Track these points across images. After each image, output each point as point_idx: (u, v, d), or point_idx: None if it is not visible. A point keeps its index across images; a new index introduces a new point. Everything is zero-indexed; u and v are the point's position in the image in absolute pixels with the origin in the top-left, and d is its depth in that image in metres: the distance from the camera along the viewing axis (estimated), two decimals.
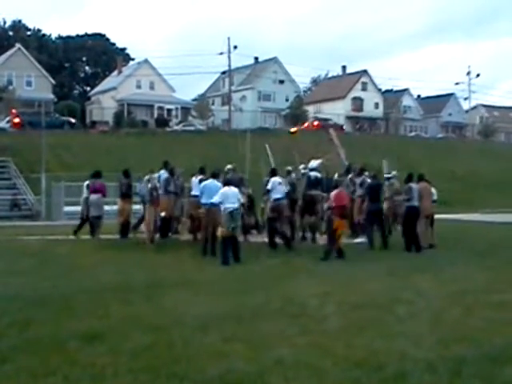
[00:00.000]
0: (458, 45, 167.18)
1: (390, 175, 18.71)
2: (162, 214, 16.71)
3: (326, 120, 67.93)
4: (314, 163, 18.35)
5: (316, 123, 65.30)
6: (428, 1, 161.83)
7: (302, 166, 18.90)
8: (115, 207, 21.30)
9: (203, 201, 14.28)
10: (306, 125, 65.46)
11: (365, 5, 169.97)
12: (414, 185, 15.58)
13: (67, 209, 30.12)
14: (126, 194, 17.48)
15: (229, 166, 17.66)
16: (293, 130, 59.10)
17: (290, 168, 17.79)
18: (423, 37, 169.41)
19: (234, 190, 13.65)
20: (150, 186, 16.07)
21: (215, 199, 13.42)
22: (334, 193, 14.21)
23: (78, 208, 20.11)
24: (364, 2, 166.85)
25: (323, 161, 19.27)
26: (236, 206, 13.30)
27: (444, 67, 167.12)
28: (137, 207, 18.55)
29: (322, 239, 16.61)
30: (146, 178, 16.46)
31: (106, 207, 19.43)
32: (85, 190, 18.48)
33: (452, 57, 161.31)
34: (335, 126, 65.25)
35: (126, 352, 5.99)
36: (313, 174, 17.45)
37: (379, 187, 16.51)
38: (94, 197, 17.88)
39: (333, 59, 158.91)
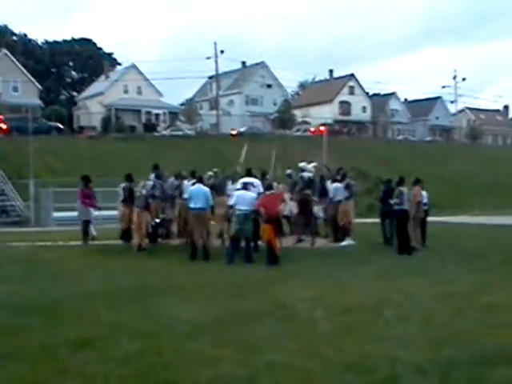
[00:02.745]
0: (449, 49, 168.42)
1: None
2: (157, 220, 16.75)
3: (330, 125, 68.97)
4: (306, 165, 18.44)
5: (322, 128, 65.72)
6: (420, 6, 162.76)
7: (289, 171, 19.11)
8: (104, 213, 21.25)
9: (191, 206, 14.45)
10: (312, 130, 65.78)
11: (356, 10, 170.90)
12: (404, 189, 15.73)
13: (56, 214, 30.00)
14: (128, 200, 17.18)
15: (209, 173, 17.66)
16: (233, 132, 59.08)
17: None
18: (414, 41, 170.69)
19: (250, 194, 14.12)
20: (144, 192, 16.05)
21: (231, 201, 14.16)
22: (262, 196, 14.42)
23: (67, 214, 20.04)
24: (355, 8, 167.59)
25: (316, 164, 19.27)
26: (247, 209, 13.81)
27: (435, 71, 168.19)
28: None
29: (320, 242, 17.04)
30: (141, 184, 16.41)
31: (96, 212, 19.32)
32: (121, 193, 18.16)
33: (443, 61, 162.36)
34: (340, 130, 66.90)
35: (115, 359, 5.96)
36: (305, 174, 17.58)
37: (391, 191, 16.70)
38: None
39: (322, 64, 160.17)
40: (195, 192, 14.63)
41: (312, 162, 19.62)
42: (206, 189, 14.72)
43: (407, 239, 15.49)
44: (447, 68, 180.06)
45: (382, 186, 19.05)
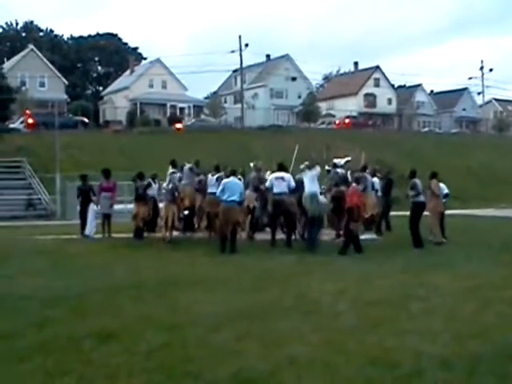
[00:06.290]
0: (478, 41, 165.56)
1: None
2: (186, 212, 16.92)
3: (355, 117, 69.69)
4: (340, 161, 18.33)
5: (347, 121, 65.82)
6: None
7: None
8: (129, 206, 21.40)
9: (224, 198, 14.33)
10: (337, 122, 65.70)
11: (384, 1, 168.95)
12: (417, 180, 15.52)
13: None
14: (140, 197, 17.28)
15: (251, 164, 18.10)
16: (178, 126, 57.89)
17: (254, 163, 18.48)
18: (443, 33, 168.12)
19: (237, 182, 14.73)
20: (170, 185, 16.21)
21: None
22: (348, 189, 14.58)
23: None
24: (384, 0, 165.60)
25: (350, 159, 19.10)
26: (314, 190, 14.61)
27: (464, 63, 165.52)
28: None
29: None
30: (169, 174, 16.60)
31: (120, 206, 19.51)
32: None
33: (472, 53, 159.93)
34: (364, 122, 67.18)
35: (140, 351, 6.00)
36: (340, 171, 17.46)
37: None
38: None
39: (348, 57, 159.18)
40: (230, 184, 14.38)
41: (346, 155, 19.51)
42: (240, 182, 14.76)
43: (418, 232, 15.24)
44: (476, 60, 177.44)
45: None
